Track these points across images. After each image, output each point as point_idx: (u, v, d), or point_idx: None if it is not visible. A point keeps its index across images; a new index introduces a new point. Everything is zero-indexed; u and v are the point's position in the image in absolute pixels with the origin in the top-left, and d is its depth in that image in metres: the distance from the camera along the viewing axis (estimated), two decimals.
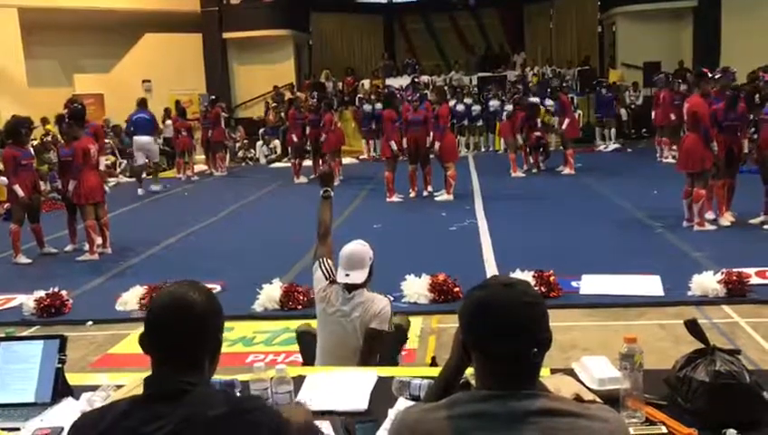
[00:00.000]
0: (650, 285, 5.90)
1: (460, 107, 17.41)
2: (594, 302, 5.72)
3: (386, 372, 2.64)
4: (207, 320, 1.66)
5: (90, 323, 5.95)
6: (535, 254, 6.86)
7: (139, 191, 13.19)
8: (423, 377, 2.33)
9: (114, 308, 6.18)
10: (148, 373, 1.65)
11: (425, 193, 11.28)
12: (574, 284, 6.04)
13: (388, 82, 19.28)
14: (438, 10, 23.09)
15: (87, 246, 8.19)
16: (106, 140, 13.38)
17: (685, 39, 18.70)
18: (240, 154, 18.21)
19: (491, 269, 6.64)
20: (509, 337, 1.50)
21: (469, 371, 1.73)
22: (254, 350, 5.14)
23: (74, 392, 2.50)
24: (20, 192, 7.96)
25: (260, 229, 9.60)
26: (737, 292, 5.57)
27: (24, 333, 4.57)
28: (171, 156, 17.13)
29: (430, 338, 5.11)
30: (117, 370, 4.32)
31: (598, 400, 2.17)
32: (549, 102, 13.94)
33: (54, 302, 6.13)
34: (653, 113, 14.50)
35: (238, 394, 2.28)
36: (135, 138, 13.63)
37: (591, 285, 6.01)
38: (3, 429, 2.32)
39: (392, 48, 23.35)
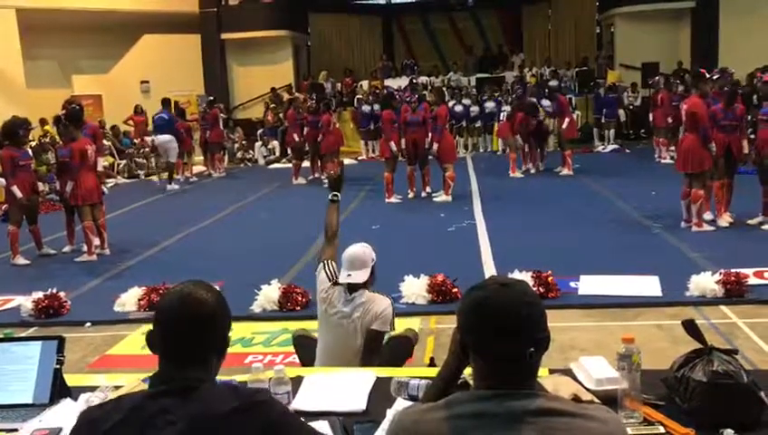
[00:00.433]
0: (648, 285, 5.91)
1: (458, 108, 17.41)
2: (592, 302, 5.73)
3: (384, 372, 2.65)
4: (215, 318, 1.68)
5: (88, 324, 5.95)
6: (534, 254, 6.86)
7: (168, 187, 13.83)
8: (421, 377, 2.34)
9: (112, 309, 6.18)
10: (146, 375, 1.66)
11: (423, 194, 11.28)
12: (572, 284, 6.05)
13: (387, 82, 19.28)
14: (437, 11, 23.10)
15: (85, 248, 8.18)
16: (104, 142, 13.38)
17: (683, 40, 18.72)
18: (238, 155, 18.20)
19: (489, 270, 6.64)
20: (507, 337, 1.50)
21: (468, 371, 1.73)
22: (252, 351, 5.14)
23: (73, 393, 2.50)
24: (18, 193, 7.96)
25: (258, 230, 9.59)
26: (735, 292, 5.58)
27: (23, 335, 4.56)
28: None
29: (429, 339, 5.11)
30: (115, 371, 4.32)
31: (596, 400, 2.18)
32: (546, 103, 13.92)
33: (53, 303, 6.12)
34: (650, 115, 14.53)
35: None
36: (156, 136, 14.23)
37: (590, 285, 6.02)
38: (1, 429, 2.32)
39: (391, 49, 23.34)
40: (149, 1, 19.27)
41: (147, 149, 17.71)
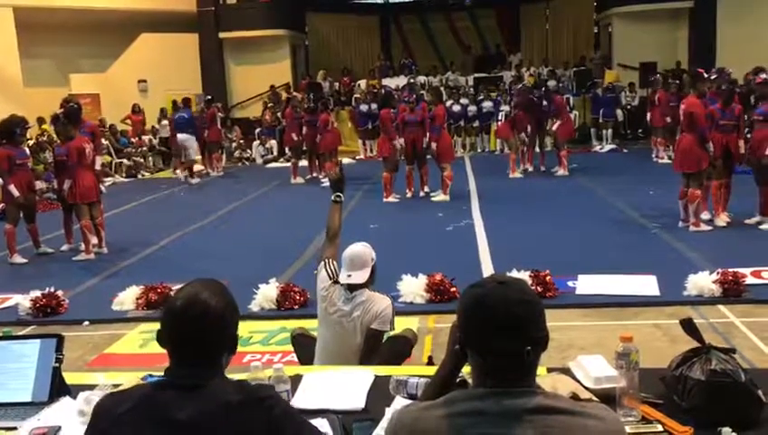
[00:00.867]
0: (646, 285, 5.92)
1: (456, 108, 17.41)
2: (590, 302, 5.73)
3: (383, 370, 2.65)
4: (222, 320, 1.70)
5: (86, 322, 5.94)
6: (531, 254, 6.87)
7: (191, 181, 14.49)
8: (420, 376, 2.34)
9: (110, 308, 6.18)
10: (145, 373, 1.70)
11: (421, 193, 11.29)
12: (570, 284, 6.05)
13: (385, 82, 19.28)
14: (435, 10, 23.10)
15: (83, 246, 8.18)
16: (102, 141, 13.37)
17: (681, 40, 18.74)
18: (236, 154, 18.19)
19: (487, 269, 6.65)
20: (505, 335, 1.50)
21: (466, 369, 1.74)
22: (250, 350, 5.14)
23: (72, 392, 2.50)
24: (15, 192, 7.95)
25: (257, 229, 9.59)
26: (733, 292, 5.59)
27: (21, 333, 4.56)
28: (167, 156, 17.13)
29: (427, 338, 5.11)
30: (114, 369, 4.32)
31: (594, 398, 2.18)
32: (543, 103, 13.89)
33: (50, 302, 6.11)
34: (648, 114, 14.53)
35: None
36: (177, 135, 14.73)
37: (588, 285, 6.02)
38: (0, 428, 2.32)
39: (388, 48, 23.35)
40: (147, 0, 19.24)
41: (144, 148, 17.72)
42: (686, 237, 7.55)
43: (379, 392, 2.39)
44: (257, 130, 18.51)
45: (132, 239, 8.95)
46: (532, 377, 1.57)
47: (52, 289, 6.24)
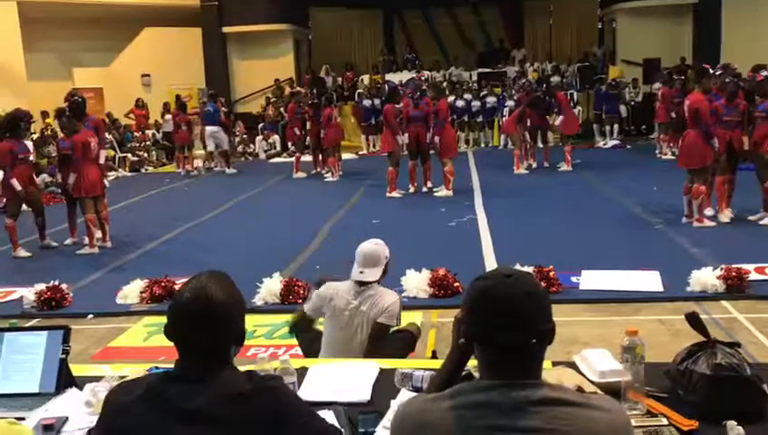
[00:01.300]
0: (650, 280, 5.91)
1: (460, 103, 17.39)
2: (594, 297, 5.73)
3: (388, 363, 2.66)
4: (228, 313, 1.71)
5: (90, 316, 5.96)
6: (535, 249, 6.86)
7: (227, 171, 14.99)
8: (425, 368, 2.35)
9: (115, 301, 6.20)
10: (150, 365, 1.72)
11: (424, 189, 11.28)
12: (574, 279, 6.05)
13: (388, 77, 19.25)
14: (438, 5, 23.04)
15: (87, 240, 8.19)
16: (106, 135, 13.37)
17: (685, 35, 18.69)
18: (239, 149, 18.19)
19: (490, 264, 6.64)
20: (510, 327, 1.50)
21: (472, 362, 1.74)
22: (254, 343, 5.16)
23: (78, 383, 2.51)
24: (17, 186, 7.95)
25: (260, 224, 9.59)
26: (736, 288, 5.59)
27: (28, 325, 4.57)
28: (171, 150, 17.14)
29: (430, 332, 5.12)
30: (118, 362, 4.33)
31: (599, 392, 2.18)
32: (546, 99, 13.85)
33: (55, 295, 6.13)
34: (657, 107, 14.44)
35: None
36: (205, 128, 15.13)
37: (591, 280, 6.02)
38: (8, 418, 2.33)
39: (392, 43, 23.29)
40: None
41: (148, 143, 17.73)
42: (690, 233, 7.54)
43: (385, 385, 2.40)
44: (260, 125, 18.51)
45: (136, 233, 8.96)
46: (539, 369, 1.57)
47: (57, 282, 6.26)
